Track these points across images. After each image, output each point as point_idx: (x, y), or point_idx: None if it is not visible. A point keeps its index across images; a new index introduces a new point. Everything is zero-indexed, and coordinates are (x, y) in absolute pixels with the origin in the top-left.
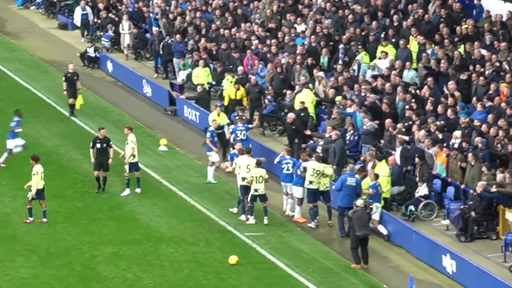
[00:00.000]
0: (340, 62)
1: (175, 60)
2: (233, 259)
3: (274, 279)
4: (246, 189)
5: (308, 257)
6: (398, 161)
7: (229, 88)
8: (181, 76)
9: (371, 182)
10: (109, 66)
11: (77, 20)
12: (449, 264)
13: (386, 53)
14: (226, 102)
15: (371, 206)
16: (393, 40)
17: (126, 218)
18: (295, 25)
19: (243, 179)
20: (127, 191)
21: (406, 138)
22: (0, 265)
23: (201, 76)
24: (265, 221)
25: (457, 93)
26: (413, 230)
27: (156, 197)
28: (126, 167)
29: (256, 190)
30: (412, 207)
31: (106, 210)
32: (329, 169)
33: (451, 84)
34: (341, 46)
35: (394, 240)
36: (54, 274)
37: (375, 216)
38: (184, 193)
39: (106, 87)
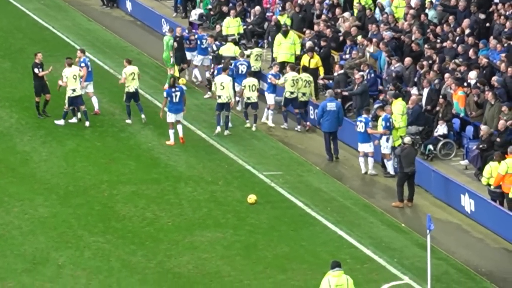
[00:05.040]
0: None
1: None
2: (251, 198)
3: (292, 218)
4: (221, 106)
5: (327, 196)
6: (423, 101)
7: (303, 57)
8: (192, 16)
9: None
10: (128, 5)
11: None
12: (467, 203)
13: None
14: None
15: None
16: None
17: (144, 157)
18: None
19: (219, 96)
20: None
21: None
22: (19, 204)
23: (232, 26)
24: (254, 128)
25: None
26: (431, 169)
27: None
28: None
29: (248, 98)
30: (431, 146)
31: (125, 149)
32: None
33: (465, 22)
34: (325, 2)
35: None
36: (73, 213)
37: (387, 150)
38: (203, 132)
39: (125, 26)
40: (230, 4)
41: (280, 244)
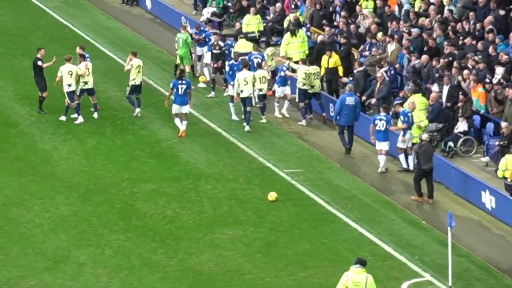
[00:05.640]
0: (338, 17)
1: None
2: (272, 195)
3: (313, 216)
4: (243, 100)
5: (347, 194)
6: (444, 98)
7: (323, 57)
8: (205, 15)
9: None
10: (148, 3)
11: None
12: (488, 200)
13: None
14: (322, 72)
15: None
16: None
17: (165, 155)
18: None
19: (241, 91)
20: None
21: (459, 77)
22: (40, 202)
23: (252, 23)
24: (264, 120)
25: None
26: (452, 166)
27: (195, 134)
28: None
29: (260, 90)
30: (451, 143)
31: (145, 147)
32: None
33: (488, 19)
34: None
35: (433, 176)
36: (93, 211)
37: (403, 144)
38: (223, 130)
39: (145, 24)
40: (250, 1)
41: (301, 241)
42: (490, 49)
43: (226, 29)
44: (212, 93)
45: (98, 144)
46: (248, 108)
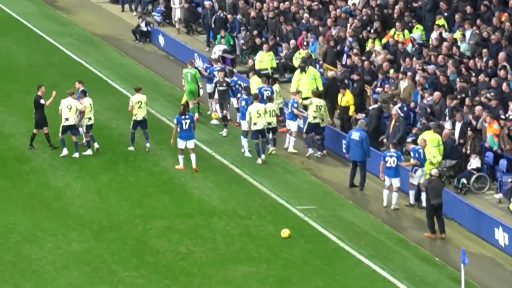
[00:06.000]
0: (344, 56)
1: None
2: (285, 232)
3: (326, 252)
4: (257, 133)
5: (360, 230)
6: (456, 135)
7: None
8: (216, 53)
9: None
10: (161, 40)
11: None
12: (501, 237)
13: (439, 26)
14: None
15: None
16: (445, 14)
17: (178, 191)
18: None
19: (255, 124)
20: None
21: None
22: (53, 239)
23: (265, 60)
24: (273, 151)
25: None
26: (465, 203)
27: (208, 170)
28: (83, 128)
29: (269, 124)
30: (464, 180)
31: (158, 183)
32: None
33: (502, 55)
34: (349, 39)
35: (446, 213)
36: (106, 248)
37: (415, 181)
38: (236, 167)
39: (158, 61)
40: (263, 38)
41: (314, 278)
42: (504, 86)
43: (239, 65)
44: (225, 130)
45: (111, 181)
46: (262, 140)
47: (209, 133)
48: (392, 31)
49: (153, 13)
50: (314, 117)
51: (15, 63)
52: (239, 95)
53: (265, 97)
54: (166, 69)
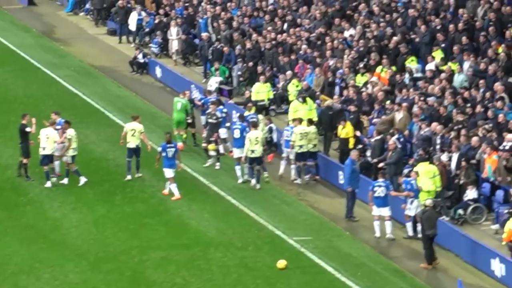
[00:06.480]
0: (337, 88)
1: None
2: (281, 263)
3: (322, 284)
4: (253, 160)
5: (357, 261)
6: (453, 166)
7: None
8: (213, 85)
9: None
10: (158, 71)
11: (133, 25)
12: (498, 267)
13: (433, 57)
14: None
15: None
16: (443, 45)
17: (174, 222)
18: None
19: (252, 151)
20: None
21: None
22: (50, 270)
23: (262, 92)
24: (257, 186)
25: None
26: (461, 233)
27: (205, 201)
28: (68, 158)
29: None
30: (460, 211)
31: (155, 214)
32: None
33: (498, 86)
34: (339, 71)
35: (443, 243)
36: (103, 279)
37: (411, 212)
38: (233, 198)
39: (155, 93)
40: (260, 69)
41: None
42: (500, 117)
43: (236, 97)
44: (209, 161)
45: (108, 212)
46: (257, 167)
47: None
48: (379, 68)
49: (150, 45)
50: (300, 146)
51: (12, 95)
52: (227, 124)
53: (251, 125)
54: (163, 100)
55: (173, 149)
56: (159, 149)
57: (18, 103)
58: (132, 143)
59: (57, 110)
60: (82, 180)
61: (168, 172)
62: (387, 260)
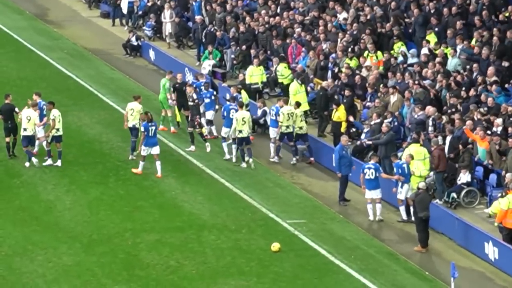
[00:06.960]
0: (329, 73)
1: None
2: (275, 246)
3: (316, 266)
4: (242, 140)
5: (350, 244)
6: (446, 150)
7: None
8: (206, 68)
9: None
10: (151, 54)
11: (124, 8)
12: (491, 251)
13: (428, 41)
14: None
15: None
16: (436, 29)
17: (168, 205)
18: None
19: (240, 131)
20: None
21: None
22: (43, 252)
23: (255, 75)
24: (252, 164)
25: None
26: (455, 217)
27: (199, 184)
28: (48, 139)
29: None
30: (454, 194)
31: (148, 197)
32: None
33: (490, 70)
34: (332, 55)
35: (436, 227)
36: (96, 261)
37: (402, 196)
38: (227, 181)
39: (149, 75)
40: (253, 53)
41: None
42: (490, 101)
43: (229, 80)
44: (192, 147)
45: (102, 195)
46: (248, 146)
47: (200, 147)
48: (365, 53)
49: (144, 28)
50: (287, 126)
51: (6, 77)
52: (216, 106)
53: (238, 105)
54: (157, 83)
55: (154, 127)
56: (142, 128)
57: (11, 86)
58: (130, 122)
59: (51, 92)
60: (48, 162)
61: (145, 151)
62: (380, 243)
